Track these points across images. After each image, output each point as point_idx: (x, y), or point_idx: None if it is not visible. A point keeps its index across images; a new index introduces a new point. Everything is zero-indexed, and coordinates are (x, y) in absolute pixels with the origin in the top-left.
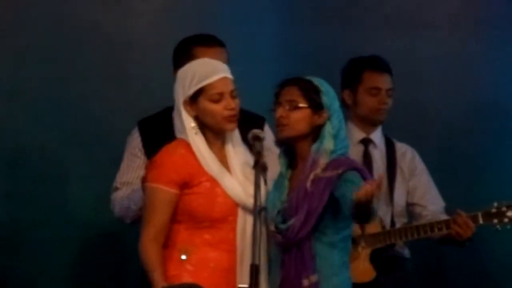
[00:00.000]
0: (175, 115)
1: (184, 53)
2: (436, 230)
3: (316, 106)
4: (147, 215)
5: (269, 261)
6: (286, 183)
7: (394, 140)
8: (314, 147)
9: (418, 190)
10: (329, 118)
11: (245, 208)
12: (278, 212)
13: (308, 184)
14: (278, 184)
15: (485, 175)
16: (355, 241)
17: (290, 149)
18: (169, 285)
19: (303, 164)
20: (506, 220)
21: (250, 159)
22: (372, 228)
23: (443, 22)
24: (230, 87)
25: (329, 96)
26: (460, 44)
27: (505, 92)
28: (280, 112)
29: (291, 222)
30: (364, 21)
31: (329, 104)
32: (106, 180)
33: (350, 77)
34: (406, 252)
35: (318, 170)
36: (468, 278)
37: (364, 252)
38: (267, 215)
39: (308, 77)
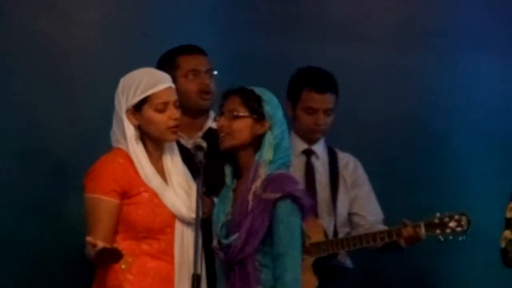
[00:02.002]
0: (114, 123)
1: (168, 63)
2: (378, 240)
3: (258, 115)
4: (90, 228)
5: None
6: (231, 194)
7: (337, 150)
8: (256, 157)
9: (358, 200)
10: (270, 128)
11: (182, 220)
12: (222, 225)
13: (250, 197)
14: (223, 195)
15: (425, 184)
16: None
17: (234, 159)
18: None
19: (246, 175)
20: (448, 230)
21: (187, 171)
22: (315, 237)
23: (382, 34)
24: (174, 97)
25: (272, 105)
26: (398, 55)
27: (447, 103)
28: (221, 121)
29: (233, 238)
30: (304, 32)
31: (271, 113)
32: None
33: (291, 90)
34: (348, 262)
35: (258, 182)
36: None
37: (307, 261)
38: (212, 228)
39: (251, 87)
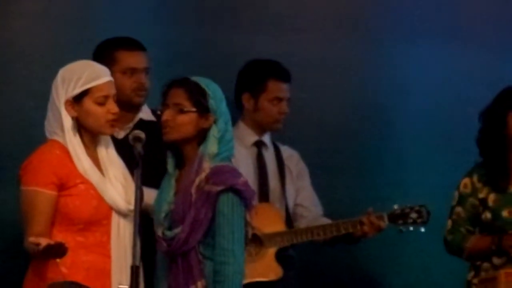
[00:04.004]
0: (49, 115)
1: (106, 56)
2: (342, 230)
3: (203, 109)
4: (28, 220)
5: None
6: (173, 183)
7: (277, 143)
8: (200, 151)
9: (302, 191)
10: (215, 121)
11: (119, 212)
12: (166, 215)
13: (193, 190)
14: (165, 184)
15: (370, 176)
16: (260, 240)
17: (177, 149)
18: (52, 283)
19: (189, 166)
20: (410, 221)
21: (122, 163)
22: (278, 227)
23: (326, 24)
24: (114, 91)
25: (216, 99)
26: (342, 46)
27: (388, 94)
28: (166, 115)
29: (177, 230)
30: (247, 24)
31: (215, 107)
32: None
33: (253, 82)
34: (291, 251)
35: (202, 175)
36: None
37: (270, 251)
38: (154, 217)
39: (195, 79)
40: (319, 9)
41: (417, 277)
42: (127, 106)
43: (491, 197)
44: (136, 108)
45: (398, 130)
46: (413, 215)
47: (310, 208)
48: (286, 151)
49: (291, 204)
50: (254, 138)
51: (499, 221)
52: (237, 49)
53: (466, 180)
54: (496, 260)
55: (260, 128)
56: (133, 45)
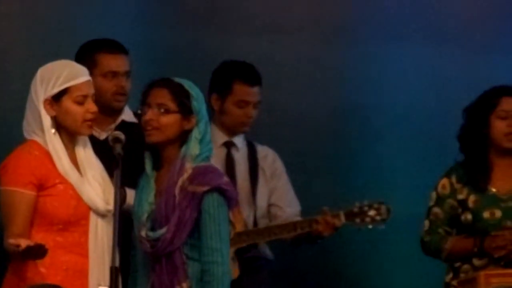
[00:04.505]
0: (28, 115)
1: (87, 58)
2: (299, 229)
3: (186, 111)
4: (7, 221)
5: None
6: (153, 183)
7: (255, 143)
8: (182, 152)
9: (276, 191)
10: (197, 123)
11: (97, 212)
12: (148, 216)
13: (177, 191)
14: (143, 185)
15: (348, 177)
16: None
17: (155, 150)
18: (31, 286)
19: (169, 168)
20: (368, 219)
21: (100, 163)
22: (237, 227)
23: (305, 26)
24: (93, 90)
25: (199, 101)
26: (321, 47)
27: (367, 95)
28: (149, 115)
29: (162, 231)
30: (224, 24)
31: (198, 109)
32: None
33: (220, 84)
34: (269, 253)
35: (185, 176)
36: (328, 279)
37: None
38: (134, 218)
39: (178, 80)
40: (298, 11)
41: (394, 278)
42: (108, 109)
43: (472, 198)
44: (117, 111)
45: (377, 130)
46: (372, 213)
47: (284, 208)
48: (262, 151)
49: (263, 204)
50: (223, 139)
51: (480, 222)
52: (218, 51)
53: (445, 181)
54: (476, 262)
55: (228, 130)
56: (115, 48)
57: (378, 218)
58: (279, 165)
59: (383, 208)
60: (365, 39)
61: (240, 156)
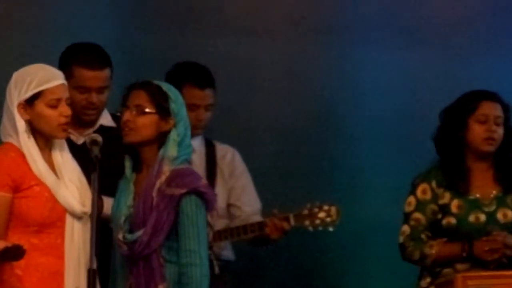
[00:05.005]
0: (4, 118)
1: (64, 67)
2: (249, 232)
3: (164, 112)
4: None
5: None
6: (132, 186)
7: (216, 142)
8: (160, 154)
9: (235, 191)
10: (175, 125)
11: (74, 215)
12: (126, 219)
13: (154, 193)
14: (123, 187)
15: (325, 179)
16: None
17: (135, 152)
18: None
19: (148, 170)
20: (317, 221)
21: (78, 166)
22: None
23: (282, 29)
24: (67, 94)
25: (177, 103)
26: (298, 50)
27: (342, 97)
28: (127, 116)
29: (139, 234)
30: (202, 27)
31: (176, 111)
32: None
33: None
34: (230, 254)
35: (163, 178)
36: (302, 283)
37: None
38: (112, 221)
39: (157, 82)
40: (275, 14)
41: (369, 281)
42: (80, 120)
43: (455, 203)
44: (90, 123)
45: (352, 133)
46: (321, 215)
47: (243, 208)
48: (221, 151)
49: (221, 205)
50: None
51: (465, 227)
52: (195, 53)
53: (425, 186)
54: (459, 266)
55: None
56: (92, 62)
57: (328, 220)
58: (239, 164)
59: (333, 210)
60: (342, 42)
61: (197, 157)
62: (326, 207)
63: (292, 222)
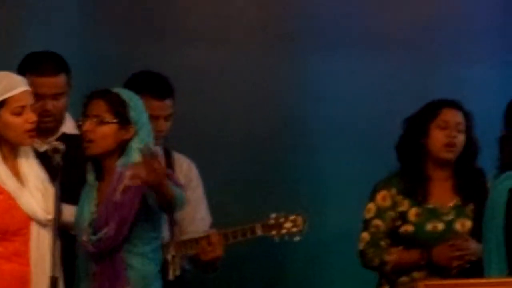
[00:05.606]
0: None
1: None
2: (194, 245)
3: (123, 121)
4: None
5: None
6: (95, 193)
7: (174, 152)
8: (120, 162)
9: (189, 203)
10: (136, 133)
11: (38, 222)
12: (90, 224)
13: (117, 196)
14: (86, 195)
15: (286, 188)
16: (163, 248)
17: (98, 161)
18: None
19: (110, 178)
20: (284, 231)
21: (43, 173)
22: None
23: (244, 35)
24: (31, 100)
25: (137, 110)
26: (258, 59)
27: (303, 105)
28: (86, 126)
29: (104, 231)
30: (164, 34)
31: (136, 119)
32: None
33: None
34: (186, 263)
35: (126, 182)
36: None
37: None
38: (76, 226)
39: (117, 90)
40: (237, 21)
41: None
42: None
43: (413, 211)
44: (49, 131)
45: (314, 141)
46: (288, 225)
47: (194, 222)
48: (178, 161)
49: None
50: None
51: (422, 235)
52: (158, 61)
53: (384, 193)
54: (416, 274)
55: None
56: (43, 69)
57: (294, 229)
58: (194, 176)
59: (299, 220)
60: (302, 49)
61: None
62: (292, 217)
63: (259, 232)
